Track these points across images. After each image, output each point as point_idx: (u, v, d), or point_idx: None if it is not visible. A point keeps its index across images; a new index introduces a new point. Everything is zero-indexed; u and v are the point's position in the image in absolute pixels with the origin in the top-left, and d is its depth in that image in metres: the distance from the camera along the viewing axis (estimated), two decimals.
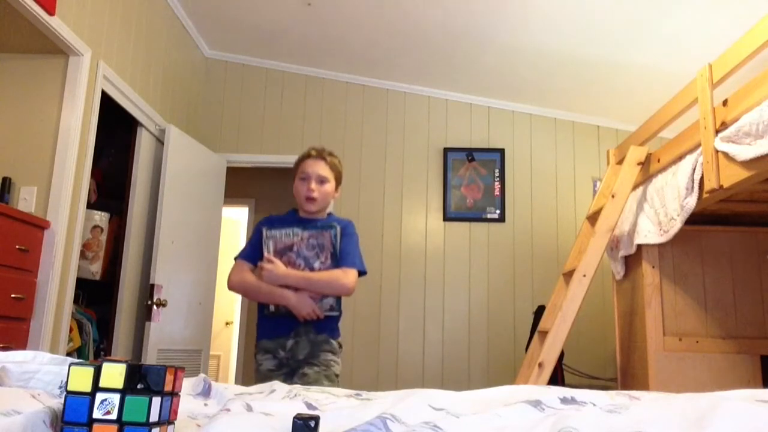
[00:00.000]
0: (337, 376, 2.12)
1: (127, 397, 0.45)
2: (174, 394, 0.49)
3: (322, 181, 2.18)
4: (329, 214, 2.31)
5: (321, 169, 2.19)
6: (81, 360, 0.52)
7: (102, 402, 0.45)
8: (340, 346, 2.18)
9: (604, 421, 0.52)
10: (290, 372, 2.10)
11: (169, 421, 0.48)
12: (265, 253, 2.08)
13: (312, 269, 2.09)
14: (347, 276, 2.10)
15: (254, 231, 2.22)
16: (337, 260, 2.11)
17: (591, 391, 0.66)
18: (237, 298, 6.29)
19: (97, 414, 0.44)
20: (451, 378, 4.30)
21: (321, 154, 2.22)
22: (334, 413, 0.64)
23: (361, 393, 0.80)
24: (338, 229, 2.14)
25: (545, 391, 0.64)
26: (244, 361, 5.76)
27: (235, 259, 2.21)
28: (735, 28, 2.41)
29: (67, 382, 0.45)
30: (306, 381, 2.04)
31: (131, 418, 0.45)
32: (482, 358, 4.33)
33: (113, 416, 0.45)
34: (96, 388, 0.45)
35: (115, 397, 0.45)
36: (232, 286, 2.20)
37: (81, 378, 0.45)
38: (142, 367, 0.47)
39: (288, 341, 2.10)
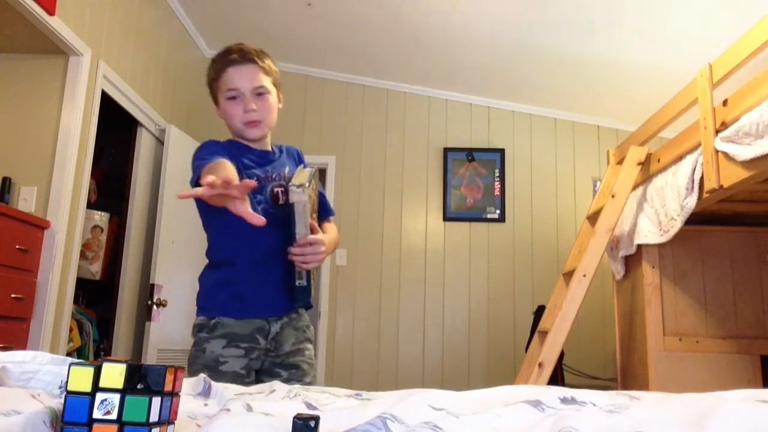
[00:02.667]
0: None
1: (127, 397, 0.45)
2: (174, 394, 0.49)
3: (260, 93, 1.61)
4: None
5: (254, 77, 1.61)
6: (81, 360, 0.52)
7: (102, 402, 0.45)
8: None
9: (604, 421, 0.52)
10: (266, 373, 1.58)
11: (169, 421, 0.48)
12: (305, 221, 1.48)
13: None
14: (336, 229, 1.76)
15: (200, 159, 1.53)
16: None
17: (591, 391, 0.66)
18: None
19: (97, 414, 0.44)
20: (451, 378, 4.30)
21: (248, 56, 1.64)
22: (334, 413, 0.64)
23: (361, 393, 0.80)
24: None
25: (545, 391, 0.64)
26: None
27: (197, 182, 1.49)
28: (735, 28, 2.41)
29: (67, 382, 0.45)
30: (301, 378, 1.61)
31: (131, 418, 0.45)
32: (482, 358, 4.33)
33: (113, 416, 0.45)
34: (96, 388, 0.45)
35: (115, 397, 0.45)
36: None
37: (81, 378, 0.45)
38: (142, 367, 0.47)
39: (273, 325, 1.57)
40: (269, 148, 1.71)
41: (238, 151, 1.62)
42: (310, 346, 1.66)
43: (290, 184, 1.44)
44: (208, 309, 1.58)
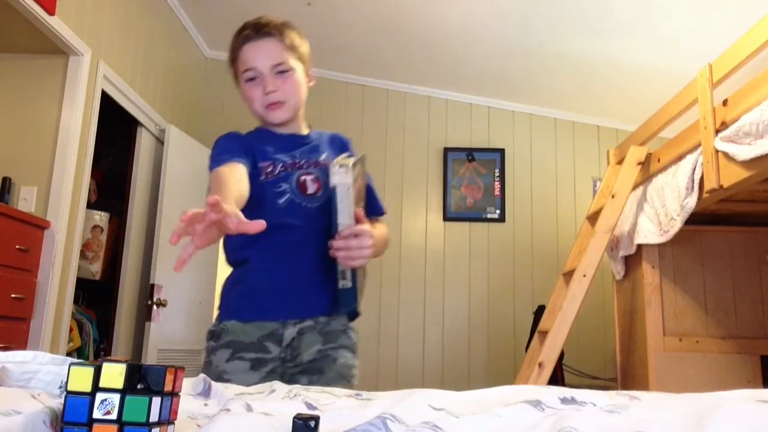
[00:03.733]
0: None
1: (127, 397, 0.45)
2: (174, 394, 0.49)
3: (281, 71, 1.40)
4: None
5: (273, 52, 1.40)
6: (81, 360, 0.52)
7: (102, 402, 0.45)
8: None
9: (604, 421, 0.52)
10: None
11: (169, 421, 0.48)
12: (350, 208, 1.24)
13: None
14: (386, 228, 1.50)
15: (223, 150, 1.39)
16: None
17: (591, 391, 0.66)
18: None
19: (97, 414, 0.44)
20: (451, 378, 4.30)
21: (264, 30, 1.44)
22: (334, 413, 0.64)
23: (361, 393, 0.80)
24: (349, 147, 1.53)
25: (545, 391, 0.64)
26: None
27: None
28: (735, 28, 2.41)
29: (67, 382, 0.45)
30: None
31: (131, 418, 0.45)
32: (482, 358, 4.33)
33: (113, 416, 0.45)
34: (96, 388, 0.45)
35: (115, 397, 0.45)
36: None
37: (81, 378, 0.45)
38: (142, 367, 0.47)
39: (288, 329, 1.33)
40: (303, 132, 1.50)
41: (261, 140, 1.44)
42: (346, 354, 1.37)
43: (332, 163, 1.21)
44: (221, 313, 1.41)
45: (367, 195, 1.46)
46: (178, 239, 0.90)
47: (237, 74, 1.48)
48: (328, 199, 1.26)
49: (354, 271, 1.26)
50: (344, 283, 1.28)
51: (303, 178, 1.39)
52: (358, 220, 1.25)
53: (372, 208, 1.47)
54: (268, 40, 1.43)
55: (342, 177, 1.19)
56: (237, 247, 1.42)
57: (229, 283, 1.43)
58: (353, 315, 1.43)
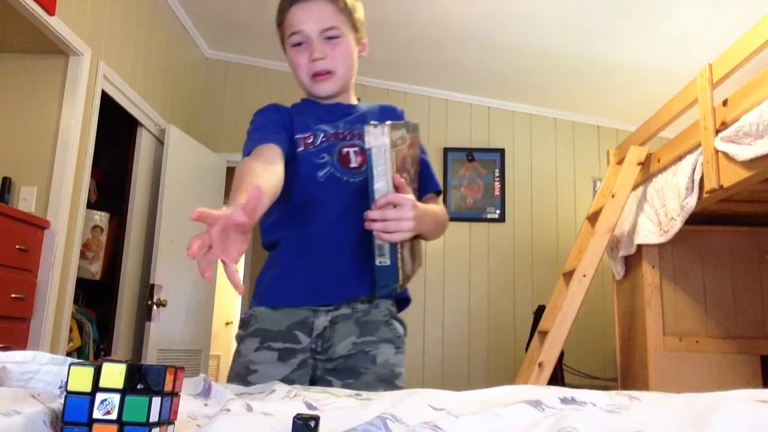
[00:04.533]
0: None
1: (127, 397, 0.45)
2: (174, 394, 0.49)
3: (331, 36, 1.26)
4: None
5: (323, 15, 1.26)
6: (81, 360, 0.52)
7: (102, 402, 0.45)
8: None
9: (604, 421, 0.52)
10: (319, 384, 1.17)
11: (169, 421, 0.48)
12: (387, 174, 1.06)
13: None
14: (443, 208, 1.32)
15: (265, 117, 1.31)
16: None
17: (591, 391, 0.66)
18: (237, 298, 6.26)
19: (97, 414, 0.44)
20: (451, 378, 4.30)
21: None
22: (334, 413, 0.64)
23: (361, 393, 0.80)
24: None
25: (545, 391, 0.64)
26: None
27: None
28: (735, 28, 2.41)
29: (67, 382, 0.45)
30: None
31: (131, 418, 0.45)
32: (482, 358, 4.33)
33: (113, 416, 0.45)
34: (96, 388, 0.45)
35: (115, 397, 0.45)
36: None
37: (81, 378, 0.45)
38: (142, 367, 0.47)
39: (319, 317, 1.19)
40: (352, 102, 1.38)
41: (303, 111, 1.32)
42: (388, 350, 1.19)
43: (366, 124, 1.05)
44: (253, 299, 1.27)
45: (421, 169, 1.29)
46: (198, 250, 0.76)
47: (283, 38, 1.32)
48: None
49: (394, 246, 1.07)
50: (382, 260, 1.09)
51: (345, 150, 1.26)
52: (398, 188, 1.06)
53: (425, 184, 1.30)
54: (318, 1, 1.26)
55: (377, 137, 1.03)
56: (269, 227, 1.29)
57: (265, 267, 1.30)
58: (402, 302, 1.28)
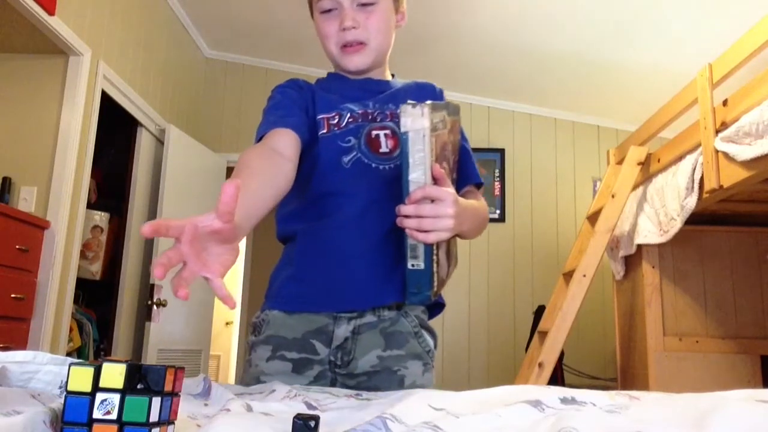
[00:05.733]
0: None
1: (127, 397, 0.45)
2: (174, 394, 0.49)
3: (364, 2, 1.11)
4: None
5: None
6: (81, 360, 0.52)
7: (102, 402, 0.45)
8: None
9: (604, 421, 0.52)
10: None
11: (169, 422, 0.48)
12: (426, 162, 0.88)
13: None
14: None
15: (283, 94, 1.16)
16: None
17: (591, 392, 0.66)
18: (237, 298, 6.26)
19: (97, 414, 0.44)
20: (451, 378, 4.30)
21: None
22: (334, 413, 0.64)
23: (361, 393, 0.80)
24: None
25: (545, 391, 0.64)
26: (244, 360, 5.77)
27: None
28: (735, 28, 2.41)
29: (66, 382, 0.45)
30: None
31: (131, 418, 0.45)
32: (482, 358, 4.33)
33: (113, 416, 0.45)
34: (96, 388, 0.45)
35: (115, 397, 0.45)
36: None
37: (81, 378, 0.45)
38: (142, 367, 0.47)
39: (340, 326, 1.05)
40: (384, 77, 1.21)
41: (328, 87, 1.18)
42: (416, 367, 1.06)
43: (403, 104, 0.87)
44: (265, 300, 1.14)
45: (461, 158, 1.12)
46: (164, 273, 0.64)
47: (311, 2, 1.19)
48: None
49: (429, 248, 0.91)
50: (414, 264, 0.92)
51: (375, 132, 1.10)
52: (437, 180, 0.88)
53: (465, 174, 1.13)
54: None
55: (415, 119, 0.85)
56: (285, 218, 1.14)
57: (279, 264, 1.15)
58: (434, 308, 1.14)
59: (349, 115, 1.11)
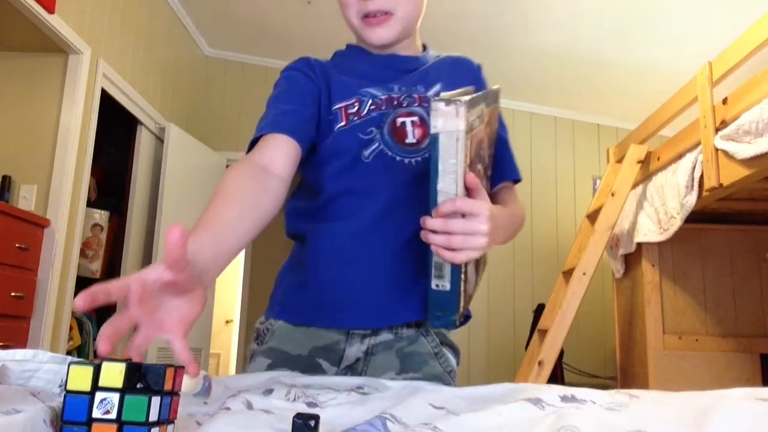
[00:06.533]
0: None
1: (127, 397, 0.45)
2: (174, 393, 0.49)
3: None
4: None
5: None
6: (81, 359, 0.52)
7: (101, 401, 0.45)
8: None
9: (604, 419, 0.52)
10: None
11: (169, 421, 0.48)
12: (457, 170, 0.73)
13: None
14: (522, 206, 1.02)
15: (291, 80, 1.01)
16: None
17: (591, 390, 0.66)
18: (237, 296, 6.26)
19: (96, 413, 0.44)
20: None
21: None
22: (334, 409, 0.63)
23: (362, 386, 0.78)
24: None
25: (545, 390, 0.64)
26: (244, 359, 5.77)
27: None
28: (735, 27, 2.41)
29: (66, 381, 0.45)
30: None
31: (131, 417, 0.45)
32: (482, 357, 4.33)
33: (113, 415, 0.44)
34: (95, 387, 0.45)
35: (115, 397, 0.45)
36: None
37: (80, 377, 0.45)
38: (142, 366, 0.47)
39: (353, 344, 0.93)
40: (412, 54, 1.05)
41: (345, 66, 1.03)
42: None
43: (435, 99, 0.72)
44: (270, 305, 1.01)
45: (497, 150, 0.99)
46: (112, 347, 0.54)
47: None
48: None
49: (457, 267, 0.77)
50: (439, 284, 0.78)
51: (401, 120, 0.94)
52: (470, 191, 0.75)
53: (501, 168, 1.00)
54: None
55: (448, 119, 0.71)
56: (295, 214, 1.01)
57: (287, 264, 1.02)
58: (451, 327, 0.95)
59: (370, 101, 0.96)
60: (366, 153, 0.94)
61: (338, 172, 0.94)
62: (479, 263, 0.90)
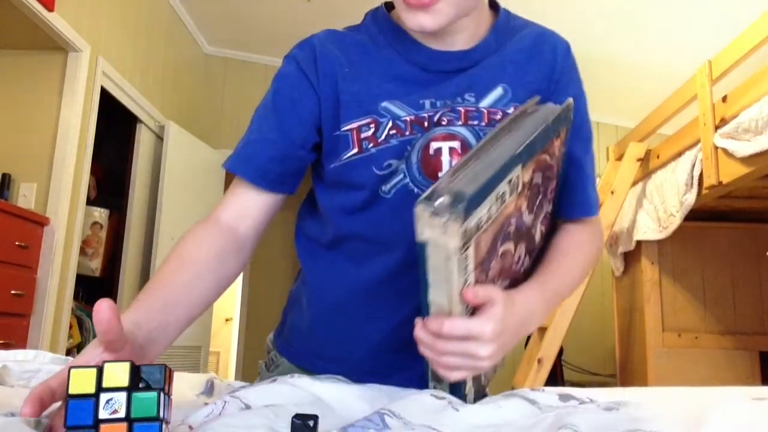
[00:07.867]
0: None
1: (135, 394, 0.45)
2: (167, 394, 0.49)
3: None
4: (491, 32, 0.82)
5: None
6: (80, 365, 0.51)
7: (108, 402, 0.44)
8: None
9: (603, 418, 0.52)
10: None
11: (167, 421, 0.48)
12: (451, 282, 0.56)
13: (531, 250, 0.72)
14: (600, 239, 0.86)
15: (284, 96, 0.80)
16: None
17: (590, 389, 0.66)
18: (237, 294, 6.26)
19: (103, 414, 0.44)
20: None
21: None
22: (333, 408, 0.63)
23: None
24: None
25: (543, 391, 0.64)
26: (243, 357, 5.77)
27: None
28: (735, 25, 2.41)
29: (67, 386, 0.45)
30: None
31: (140, 414, 0.45)
32: None
33: (121, 414, 0.44)
34: (99, 388, 0.45)
35: (121, 396, 0.45)
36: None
37: (82, 380, 0.45)
38: (141, 367, 0.47)
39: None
40: (465, 46, 0.77)
41: (364, 63, 0.78)
42: None
43: (420, 201, 0.54)
44: (278, 333, 0.92)
45: (569, 175, 0.79)
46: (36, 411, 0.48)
47: None
48: None
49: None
50: (437, 386, 0.67)
51: (436, 146, 0.74)
52: (479, 304, 0.60)
53: (570, 203, 0.80)
54: None
55: (437, 233, 0.54)
56: (304, 237, 0.86)
57: (294, 293, 0.90)
58: None
59: (390, 124, 0.74)
60: (386, 188, 0.75)
61: (350, 209, 0.77)
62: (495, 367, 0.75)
